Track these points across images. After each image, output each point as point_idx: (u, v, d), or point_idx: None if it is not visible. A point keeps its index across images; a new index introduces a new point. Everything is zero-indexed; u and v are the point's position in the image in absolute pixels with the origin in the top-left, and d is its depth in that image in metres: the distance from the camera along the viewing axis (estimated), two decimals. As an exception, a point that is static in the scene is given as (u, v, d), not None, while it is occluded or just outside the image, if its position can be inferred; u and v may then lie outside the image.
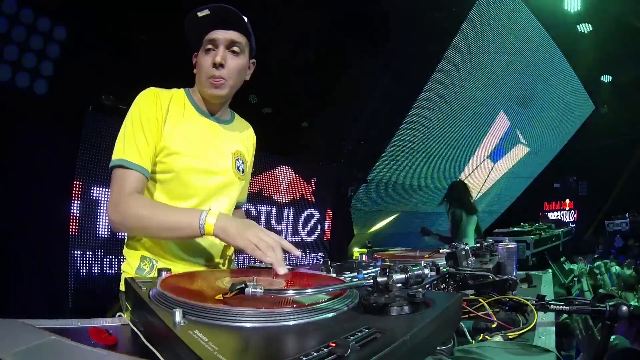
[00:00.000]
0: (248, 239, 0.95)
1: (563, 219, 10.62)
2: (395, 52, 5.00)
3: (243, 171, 1.31)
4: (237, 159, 1.28)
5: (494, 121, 6.74)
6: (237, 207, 1.45)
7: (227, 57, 1.15)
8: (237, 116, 1.38)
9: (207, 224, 1.00)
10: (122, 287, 1.22)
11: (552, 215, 10.53)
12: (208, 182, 1.21)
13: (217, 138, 1.25)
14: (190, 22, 1.14)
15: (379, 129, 5.42)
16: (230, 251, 1.34)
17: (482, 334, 0.84)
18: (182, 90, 1.25)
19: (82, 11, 2.86)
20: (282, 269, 0.89)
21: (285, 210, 4.62)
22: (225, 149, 1.26)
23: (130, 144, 1.10)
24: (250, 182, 1.55)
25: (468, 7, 4.77)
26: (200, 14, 1.11)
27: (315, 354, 0.48)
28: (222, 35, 1.14)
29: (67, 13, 2.84)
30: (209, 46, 1.14)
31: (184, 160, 1.16)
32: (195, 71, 1.22)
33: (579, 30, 6.97)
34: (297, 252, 0.98)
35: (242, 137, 1.34)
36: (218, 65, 1.14)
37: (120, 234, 3.14)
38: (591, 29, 6.95)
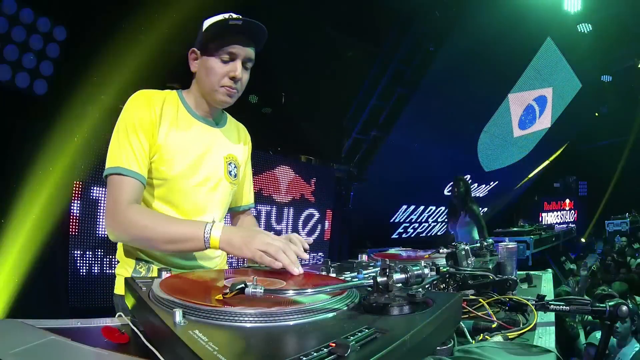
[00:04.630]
0: (255, 248, 0.94)
1: (563, 219, 10.62)
2: (395, 51, 5.00)
3: (235, 175, 1.29)
4: (229, 164, 1.26)
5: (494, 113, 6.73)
6: (245, 210, 1.45)
7: (241, 71, 1.16)
8: (229, 117, 1.35)
9: (212, 238, 0.97)
10: (116, 290, 1.22)
11: (552, 215, 10.53)
12: (200, 188, 1.19)
13: (210, 142, 1.22)
14: (216, 25, 1.12)
15: (378, 129, 5.43)
16: (225, 257, 1.33)
17: (482, 334, 0.84)
18: (174, 92, 1.22)
19: (82, 11, 2.86)
20: (297, 269, 0.89)
21: (285, 210, 4.62)
22: (218, 153, 1.24)
23: (126, 150, 1.07)
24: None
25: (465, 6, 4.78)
26: (231, 22, 1.10)
27: (315, 354, 0.48)
28: (242, 50, 1.13)
29: (67, 13, 2.84)
30: (226, 57, 1.13)
31: (177, 167, 1.13)
32: (194, 70, 1.19)
33: (579, 30, 6.97)
34: (305, 255, 0.97)
35: (234, 140, 1.32)
36: (237, 80, 1.14)
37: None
38: (591, 29, 6.95)
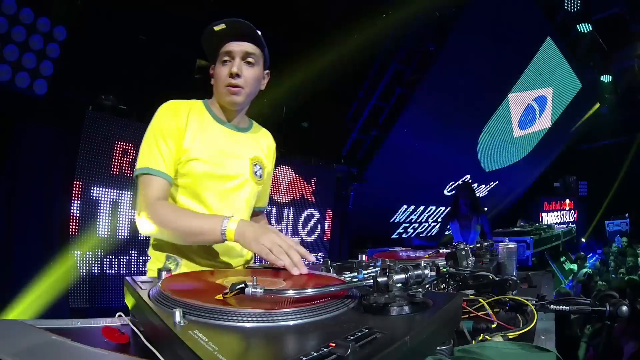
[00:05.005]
0: (262, 244, 0.99)
1: (563, 219, 10.62)
2: (395, 51, 5.01)
3: (261, 176, 1.36)
4: (255, 164, 1.34)
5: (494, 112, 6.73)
6: (259, 212, 1.52)
7: (242, 68, 1.20)
8: (255, 124, 1.42)
9: (228, 230, 1.04)
10: None
11: (552, 215, 10.53)
12: (225, 186, 1.26)
13: (236, 144, 1.30)
14: (207, 36, 1.20)
15: (378, 129, 5.43)
16: (250, 254, 1.39)
17: (482, 334, 0.83)
18: (200, 101, 1.30)
19: (82, 11, 2.86)
20: (296, 270, 0.93)
21: (285, 210, 4.62)
22: (243, 155, 1.31)
23: (154, 153, 1.17)
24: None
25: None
26: (216, 28, 1.16)
27: (315, 354, 0.48)
28: (237, 47, 1.19)
29: (67, 13, 2.84)
30: (226, 58, 1.20)
31: (203, 166, 1.21)
32: (212, 82, 1.27)
33: (579, 30, 6.98)
34: (312, 258, 1.01)
35: (260, 144, 1.39)
36: (235, 75, 1.19)
37: (127, 234, 3.15)
38: (591, 29, 6.96)
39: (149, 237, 1.25)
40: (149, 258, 1.30)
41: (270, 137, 1.47)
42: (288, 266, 0.94)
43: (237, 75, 1.19)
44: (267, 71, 1.32)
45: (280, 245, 0.98)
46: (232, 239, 1.04)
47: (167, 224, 1.11)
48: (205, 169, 1.22)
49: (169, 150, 1.18)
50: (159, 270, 0.83)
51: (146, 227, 1.13)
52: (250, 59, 1.21)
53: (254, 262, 1.43)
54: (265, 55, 1.27)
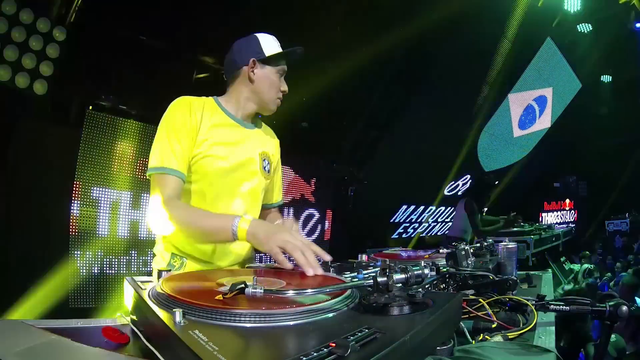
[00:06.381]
0: (274, 244, 0.98)
1: (563, 219, 10.62)
2: (395, 51, 5.00)
3: (269, 171, 1.42)
4: (264, 160, 1.39)
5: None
6: (272, 208, 1.55)
7: None
8: (263, 124, 1.49)
9: (240, 230, 1.04)
10: None
11: (552, 215, 10.53)
12: (237, 182, 1.30)
13: (246, 140, 1.35)
14: (286, 52, 1.34)
15: (378, 129, 5.42)
16: (251, 253, 1.41)
17: (482, 334, 0.84)
18: (211, 98, 1.34)
19: (82, 11, 2.86)
20: (312, 271, 0.91)
21: (285, 210, 4.62)
22: (253, 150, 1.36)
23: (167, 150, 1.18)
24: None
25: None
26: (298, 51, 1.35)
27: (315, 354, 0.48)
28: (286, 69, 1.37)
29: (67, 13, 2.83)
30: (282, 72, 1.36)
31: (215, 162, 1.25)
32: (253, 79, 1.32)
33: (579, 30, 6.97)
34: (327, 257, 1.00)
35: (268, 141, 1.46)
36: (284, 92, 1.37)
37: (127, 234, 3.15)
38: (591, 29, 6.95)
39: (152, 236, 1.28)
40: (149, 258, 1.33)
41: (275, 135, 1.53)
42: (303, 265, 0.92)
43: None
44: None
45: (293, 244, 0.96)
46: (244, 238, 1.04)
47: (180, 224, 1.12)
48: (218, 165, 1.25)
49: (183, 148, 1.19)
50: (159, 271, 0.83)
51: (160, 226, 1.14)
52: None
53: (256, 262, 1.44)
54: None
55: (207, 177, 1.25)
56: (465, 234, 4.11)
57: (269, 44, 1.32)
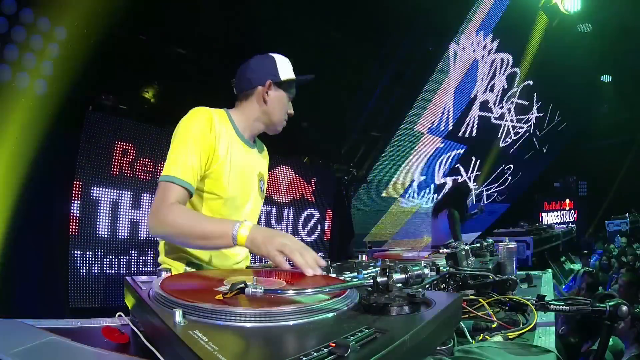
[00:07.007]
0: (272, 247, 1.00)
1: (563, 219, 10.61)
2: (395, 51, 5.00)
3: (263, 191, 1.47)
4: (260, 180, 1.44)
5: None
6: None
7: None
8: (258, 140, 1.51)
9: (240, 235, 1.05)
10: None
11: (552, 215, 10.52)
12: (243, 204, 1.36)
13: (250, 163, 1.39)
14: (300, 79, 1.40)
15: (378, 129, 5.42)
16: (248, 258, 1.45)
17: (482, 334, 0.84)
18: (222, 111, 1.34)
19: (82, 11, 2.86)
20: (311, 271, 0.92)
21: (285, 210, 4.62)
22: (254, 173, 1.41)
23: (181, 161, 1.17)
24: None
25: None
26: (309, 79, 1.42)
27: (315, 354, 0.48)
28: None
29: (67, 13, 2.83)
30: (291, 96, 1.40)
31: (229, 188, 1.28)
32: (267, 99, 1.34)
33: (579, 30, 6.97)
34: (322, 262, 1.00)
35: (262, 159, 1.50)
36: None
37: (127, 234, 3.14)
38: (591, 29, 6.95)
39: (152, 236, 1.28)
40: (149, 258, 1.34)
41: (266, 151, 1.56)
42: (302, 266, 0.93)
43: None
44: None
45: (290, 246, 0.98)
46: (243, 244, 1.05)
47: (179, 227, 1.11)
48: (231, 190, 1.28)
49: (199, 161, 1.19)
50: (159, 270, 0.83)
51: (158, 229, 1.14)
52: None
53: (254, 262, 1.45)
54: None
55: (220, 199, 1.28)
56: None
57: (285, 68, 1.35)
